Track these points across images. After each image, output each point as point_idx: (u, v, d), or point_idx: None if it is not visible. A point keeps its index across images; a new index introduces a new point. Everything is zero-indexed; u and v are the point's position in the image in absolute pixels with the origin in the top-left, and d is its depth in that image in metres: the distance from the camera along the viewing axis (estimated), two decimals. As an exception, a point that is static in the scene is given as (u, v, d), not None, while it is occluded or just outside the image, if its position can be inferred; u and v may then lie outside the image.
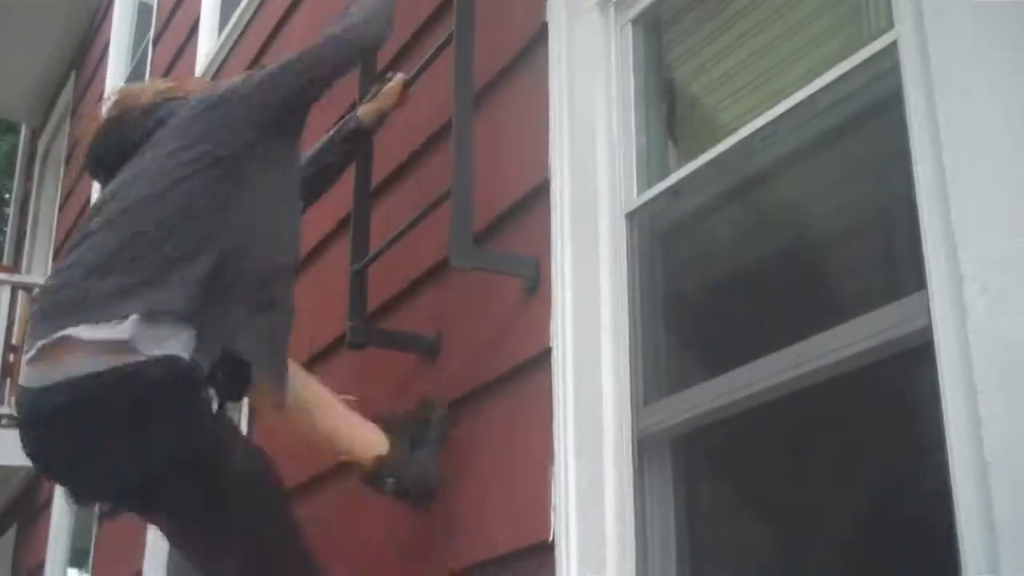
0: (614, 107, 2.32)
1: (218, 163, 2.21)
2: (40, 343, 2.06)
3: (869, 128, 1.84)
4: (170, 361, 1.99)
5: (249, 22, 4.56)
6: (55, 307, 2.11)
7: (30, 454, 2.15)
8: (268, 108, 2.32)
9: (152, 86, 2.54)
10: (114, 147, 2.39)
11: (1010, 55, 1.48)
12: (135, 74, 6.70)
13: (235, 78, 2.49)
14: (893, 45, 1.68)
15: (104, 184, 2.40)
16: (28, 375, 2.09)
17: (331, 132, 2.79)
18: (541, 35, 2.53)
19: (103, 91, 7.02)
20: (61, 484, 2.43)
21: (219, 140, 2.25)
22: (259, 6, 4.48)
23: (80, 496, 2.28)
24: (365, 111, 2.78)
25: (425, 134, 2.93)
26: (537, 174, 2.41)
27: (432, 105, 2.85)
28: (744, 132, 1.98)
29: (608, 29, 2.39)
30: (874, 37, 1.75)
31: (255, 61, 4.38)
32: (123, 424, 2.03)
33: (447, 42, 2.60)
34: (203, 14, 5.33)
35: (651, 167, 2.26)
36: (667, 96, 2.36)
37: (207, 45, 5.19)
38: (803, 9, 2.11)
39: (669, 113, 2.33)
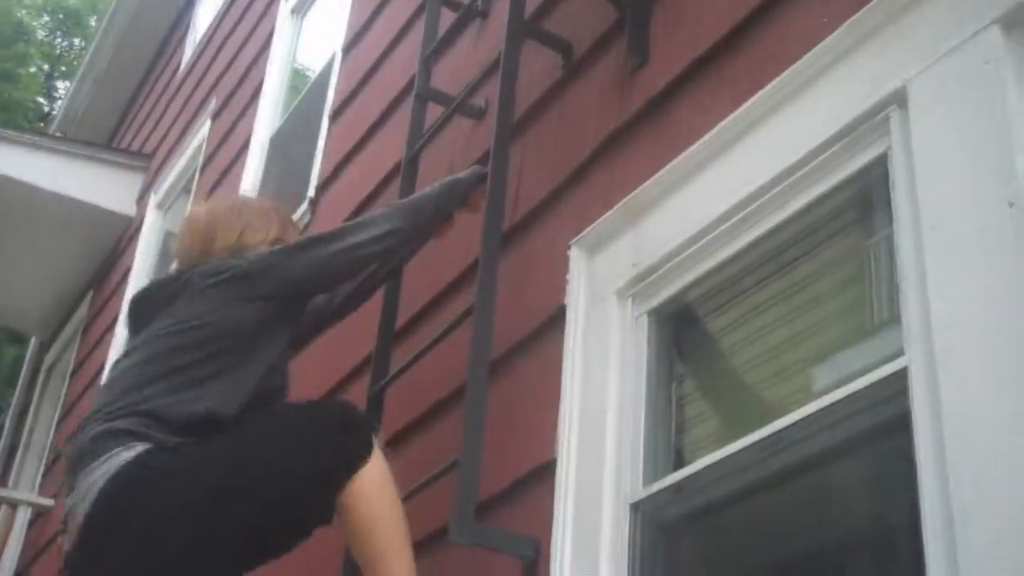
0: (626, 396, 2.37)
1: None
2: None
3: (876, 447, 1.88)
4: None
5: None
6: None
7: None
8: (271, 294, 2.52)
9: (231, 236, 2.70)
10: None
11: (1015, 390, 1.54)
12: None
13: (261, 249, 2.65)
14: (903, 371, 1.74)
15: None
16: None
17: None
18: (559, 316, 2.61)
19: (117, 313, 7.14)
20: None
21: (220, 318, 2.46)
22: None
23: None
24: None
25: (436, 397, 2.98)
26: (544, 452, 2.44)
27: (446, 370, 2.90)
28: (753, 437, 2.01)
29: (625, 318, 2.46)
30: (884, 360, 1.81)
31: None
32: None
33: (466, 314, 2.68)
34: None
35: (659, 460, 2.29)
36: (679, 390, 2.41)
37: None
38: (819, 314, 2.18)
39: (679, 408, 2.38)
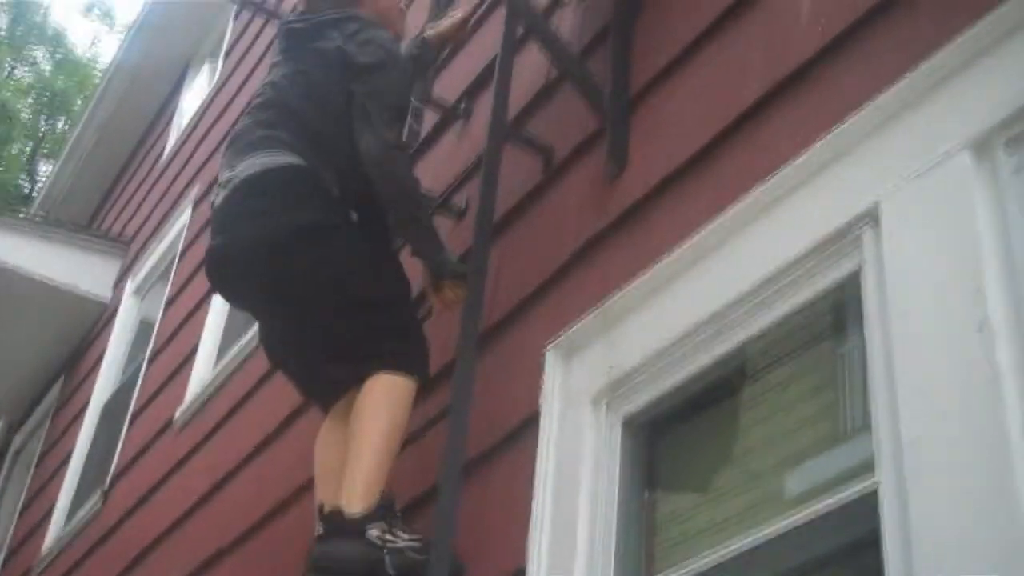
0: (598, 503, 2.36)
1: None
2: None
3: (846, 566, 1.87)
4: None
5: (248, 357, 4.67)
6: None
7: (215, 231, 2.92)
8: None
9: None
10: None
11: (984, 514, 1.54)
12: (124, 387, 6.76)
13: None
14: (873, 493, 1.74)
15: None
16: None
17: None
18: (533, 419, 2.60)
19: (88, 399, 7.07)
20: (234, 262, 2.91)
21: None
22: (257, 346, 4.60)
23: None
24: (431, 33, 3.31)
25: (410, 495, 2.96)
26: (515, 560, 2.42)
27: (420, 470, 2.89)
28: (725, 551, 2.01)
29: (599, 424, 2.46)
30: (855, 476, 1.82)
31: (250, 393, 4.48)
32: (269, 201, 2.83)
33: (441, 415, 2.67)
34: (203, 342, 5.45)
35: (629, 571, 2.27)
36: (652, 499, 2.40)
37: (202, 372, 5.28)
38: (792, 425, 2.19)
39: (652, 517, 2.37)
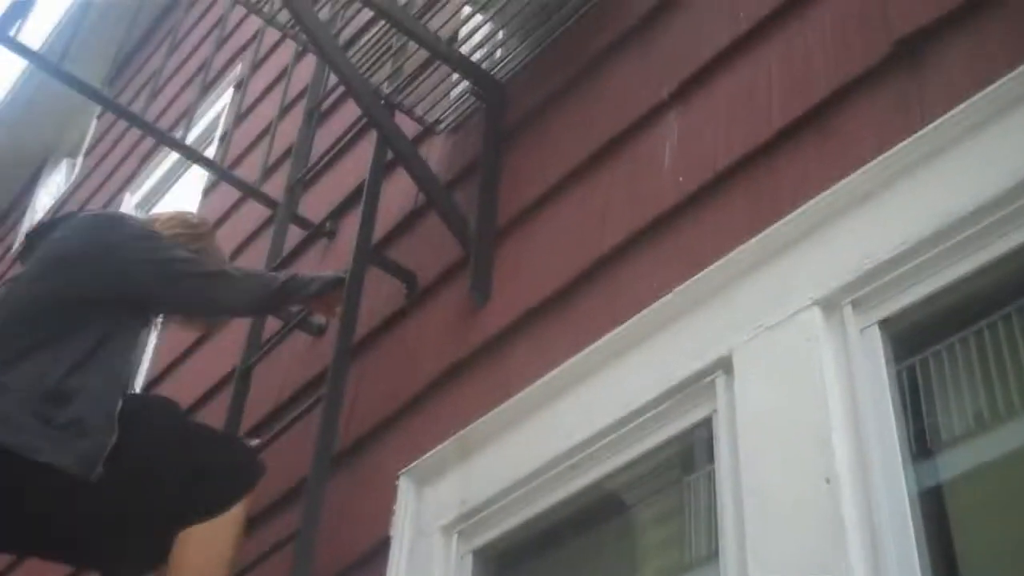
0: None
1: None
2: None
3: None
4: None
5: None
6: None
7: None
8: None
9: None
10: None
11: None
12: None
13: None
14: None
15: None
16: None
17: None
18: (383, 547, 2.58)
19: None
20: None
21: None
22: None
23: None
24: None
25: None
26: None
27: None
28: None
29: (449, 555, 2.45)
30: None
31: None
32: None
33: (290, 538, 2.63)
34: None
35: None
36: None
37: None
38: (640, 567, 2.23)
39: None
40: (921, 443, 1.76)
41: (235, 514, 2.64)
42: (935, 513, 1.68)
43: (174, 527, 2.56)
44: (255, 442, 3.05)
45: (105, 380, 2.54)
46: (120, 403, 2.53)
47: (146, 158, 6.30)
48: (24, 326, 2.57)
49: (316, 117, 4.08)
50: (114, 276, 2.67)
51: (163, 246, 2.80)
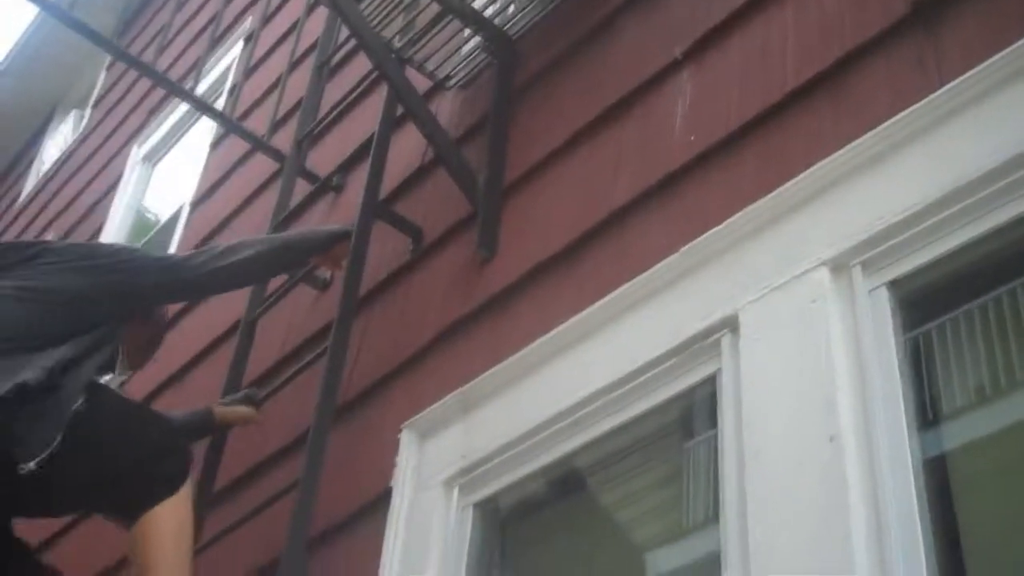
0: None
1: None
2: None
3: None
4: None
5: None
6: None
7: None
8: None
9: None
10: None
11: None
12: None
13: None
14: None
15: None
16: None
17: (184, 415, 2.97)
18: (384, 498, 2.59)
19: None
20: None
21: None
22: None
23: None
24: (221, 412, 2.98)
25: (256, 566, 2.90)
26: (356, 640, 2.39)
27: (264, 539, 2.83)
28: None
29: (450, 508, 2.46)
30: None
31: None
32: None
33: (291, 487, 2.64)
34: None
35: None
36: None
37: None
38: (641, 533, 2.23)
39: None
40: (925, 408, 1.75)
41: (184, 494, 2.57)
42: (938, 474, 1.68)
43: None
44: (260, 394, 3.05)
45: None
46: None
47: (154, 110, 6.28)
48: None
49: (326, 71, 4.06)
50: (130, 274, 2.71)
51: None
